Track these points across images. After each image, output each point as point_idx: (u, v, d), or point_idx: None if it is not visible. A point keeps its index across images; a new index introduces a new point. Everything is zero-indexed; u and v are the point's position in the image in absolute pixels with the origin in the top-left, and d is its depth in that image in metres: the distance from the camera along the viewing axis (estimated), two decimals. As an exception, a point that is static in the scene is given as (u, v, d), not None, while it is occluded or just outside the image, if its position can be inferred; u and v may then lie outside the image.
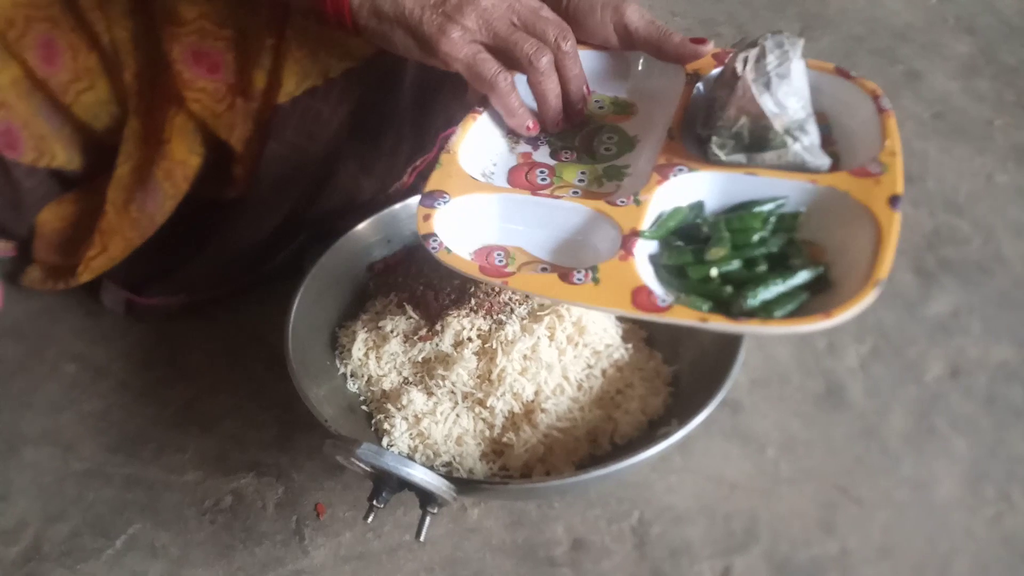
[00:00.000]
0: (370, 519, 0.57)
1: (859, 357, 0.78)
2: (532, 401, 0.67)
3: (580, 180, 0.65)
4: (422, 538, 0.56)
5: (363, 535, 0.68)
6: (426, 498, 0.56)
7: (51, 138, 0.82)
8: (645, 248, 0.57)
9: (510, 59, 0.62)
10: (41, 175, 0.84)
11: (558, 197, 0.61)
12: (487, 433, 0.67)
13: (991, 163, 0.99)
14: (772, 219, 0.57)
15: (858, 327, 0.80)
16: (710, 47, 0.67)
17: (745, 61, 0.59)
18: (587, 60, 0.70)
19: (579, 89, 0.65)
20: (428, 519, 0.57)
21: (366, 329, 0.72)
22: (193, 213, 0.82)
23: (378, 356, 0.71)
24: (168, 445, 0.75)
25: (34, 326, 0.86)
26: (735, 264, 0.56)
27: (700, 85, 0.66)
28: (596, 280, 0.54)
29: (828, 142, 0.62)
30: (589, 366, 0.69)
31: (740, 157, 0.60)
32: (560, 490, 0.67)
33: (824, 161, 0.59)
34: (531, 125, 0.65)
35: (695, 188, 0.60)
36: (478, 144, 0.66)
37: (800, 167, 0.59)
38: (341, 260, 0.75)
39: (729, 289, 0.54)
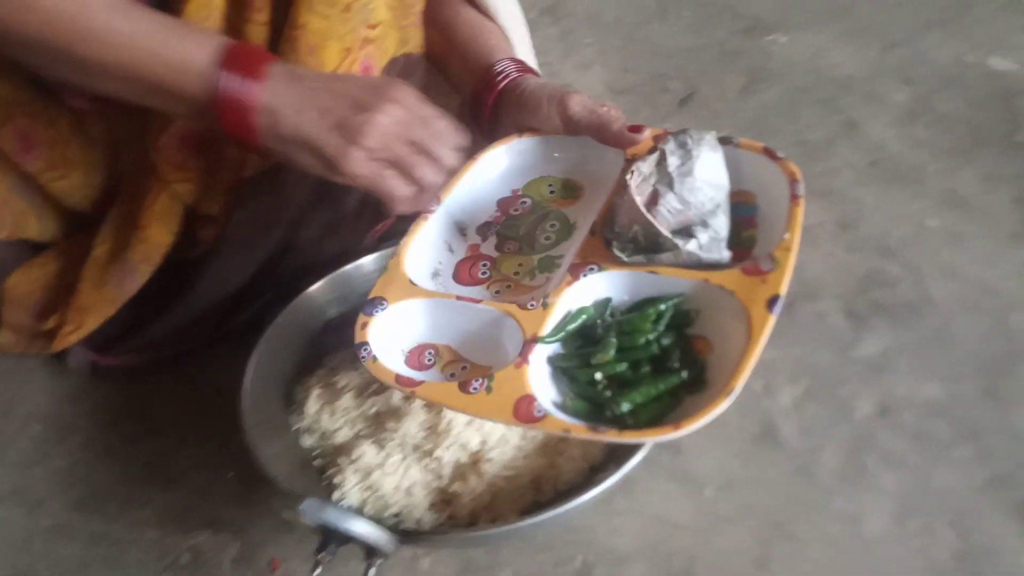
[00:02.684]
0: (316, 572, 0.59)
1: (793, 398, 0.81)
2: (478, 451, 0.70)
3: (516, 273, 0.71)
4: (367, 583, 0.59)
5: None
6: (370, 549, 0.59)
7: (25, 212, 0.85)
8: (543, 352, 0.63)
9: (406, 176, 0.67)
10: (12, 244, 0.87)
11: (476, 301, 0.67)
12: (435, 484, 0.70)
13: (924, 208, 1.04)
14: (666, 315, 0.62)
15: (792, 368, 0.84)
16: (646, 134, 0.73)
17: (632, 173, 0.65)
18: (542, 145, 0.77)
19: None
20: (373, 570, 0.59)
21: (320, 385, 0.76)
22: (159, 274, 0.85)
23: (331, 411, 0.74)
24: (132, 501, 0.78)
25: (2, 386, 0.89)
26: (621, 367, 0.61)
27: (615, 192, 0.70)
28: (489, 389, 0.60)
29: (749, 224, 0.67)
30: (533, 416, 0.73)
31: (640, 258, 0.65)
32: (504, 536, 0.70)
33: (722, 255, 0.63)
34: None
35: (603, 286, 0.66)
36: (426, 243, 0.72)
37: (697, 263, 0.63)
38: (297, 319, 0.79)
39: (608, 394, 0.60)
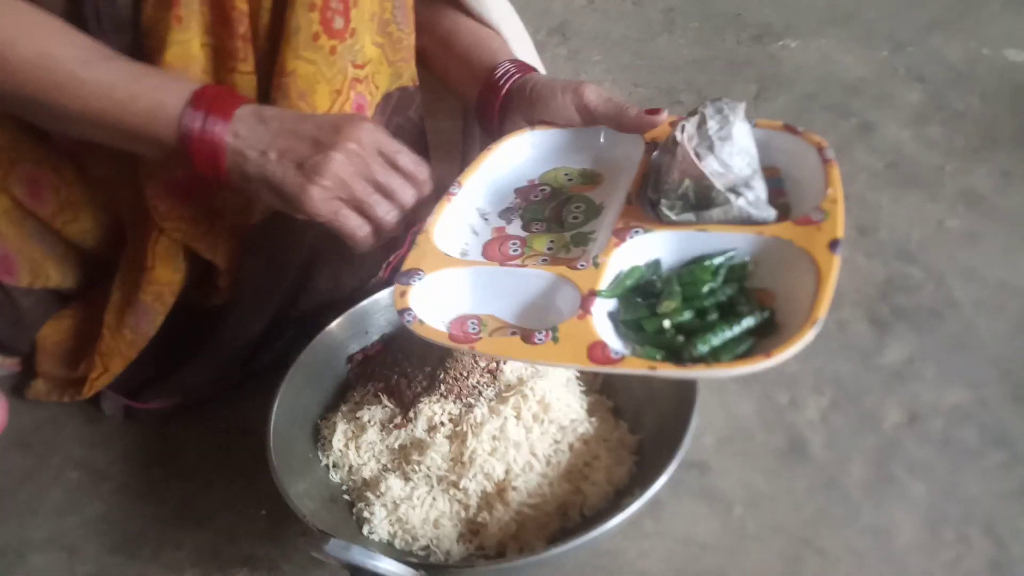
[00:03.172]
0: (350, 606, 0.60)
1: (819, 410, 0.81)
2: (503, 480, 0.70)
3: (549, 248, 0.70)
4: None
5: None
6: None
7: (44, 260, 0.87)
8: (604, 306, 0.63)
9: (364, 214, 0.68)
10: (38, 294, 0.89)
11: (524, 266, 0.67)
12: (462, 514, 0.70)
13: (942, 209, 1.04)
14: (722, 270, 0.63)
15: (816, 380, 0.83)
16: (664, 116, 0.73)
17: (683, 129, 0.65)
18: (556, 137, 0.77)
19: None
20: (402, 603, 0.60)
21: (345, 420, 0.76)
22: (184, 320, 0.87)
23: (357, 446, 0.75)
24: (166, 543, 0.79)
25: (39, 436, 0.91)
26: (687, 315, 0.61)
27: (655, 153, 0.71)
28: (556, 339, 0.59)
29: (780, 194, 0.68)
30: (556, 441, 0.73)
31: (689, 216, 0.65)
32: (533, 566, 0.70)
33: (769, 213, 0.64)
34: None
35: (651, 247, 0.66)
36: (452, 222, 0.72)
37: (747, 220, 0.64)
38: (320, 356, 0.80)
39: (681, 339, 0.59)
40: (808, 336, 0.54)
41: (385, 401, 0.76)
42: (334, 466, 0.75)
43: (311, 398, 0.79)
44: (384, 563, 0.57)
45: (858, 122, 1.20)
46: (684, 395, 0.70)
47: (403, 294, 0.64)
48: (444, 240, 0.70)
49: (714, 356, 0.58)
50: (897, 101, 1.23)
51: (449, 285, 0.67)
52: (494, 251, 0.71)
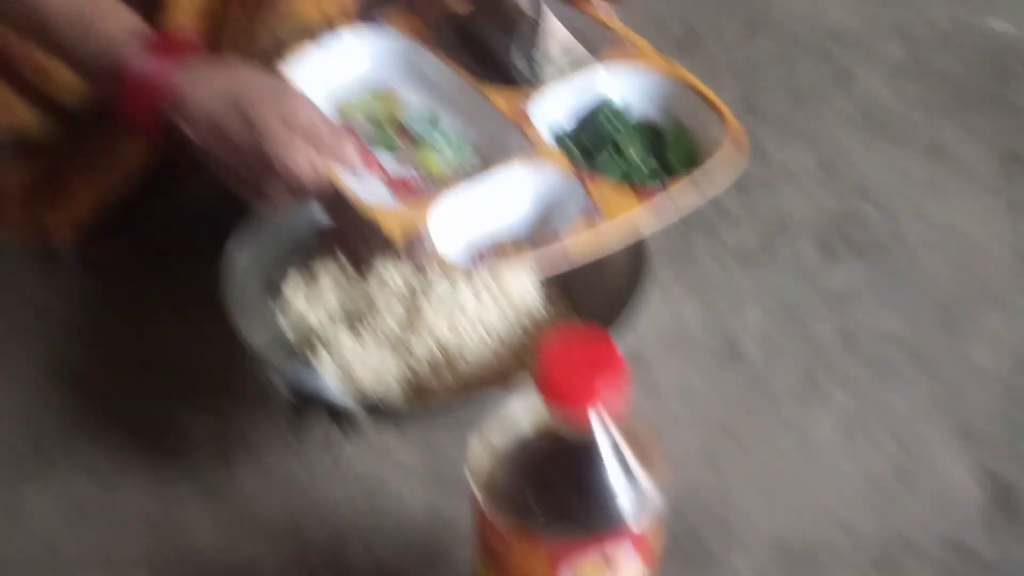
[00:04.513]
0: (292, 438, 0.63)
1: (759, 321, 0.84)
2: (453, 349, 0.73)
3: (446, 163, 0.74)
4: (336, 455, 0.63)
5: (287, 460, 0.74)
6: (340, 422, 0.62)
7: (18, 105, 0.87)
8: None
9: None
10: (2, 133, 0.89)
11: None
12: (410, 377, 0.73)
13: (907, 157, 1.06)
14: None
15: (761, 294, 0.87)
16: None
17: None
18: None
19: None
20: (343, 439, 0.63)
21: (302, 275, 0.78)
22: (149, 171, 0.88)
23: (311, 301, 0.77)
24: (113, 381, 0.81)
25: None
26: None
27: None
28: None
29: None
30: (508, 321, 0.75)
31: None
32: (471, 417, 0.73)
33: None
34: None
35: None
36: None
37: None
38: (285, 218, 0.81)
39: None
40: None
41: (344, 262, 0.78)
42: (287, 318, 0.77)
43: (269, 253, 0.80)
44: (330, 389, 0.59)
45: (839, 70, 1.22)
46: (634, 286, 0.73)
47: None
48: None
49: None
50: (880, 55, 1.25)
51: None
52: (404, 190, 0.72)
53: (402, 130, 0.76)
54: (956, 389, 0.78)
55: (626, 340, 0.68)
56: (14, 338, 0.85)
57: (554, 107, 0.75)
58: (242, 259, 0.76)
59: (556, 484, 0.42)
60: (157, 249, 0.90)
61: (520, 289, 0.77)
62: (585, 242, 0.66)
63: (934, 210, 0.98)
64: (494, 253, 0.68)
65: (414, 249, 0.62)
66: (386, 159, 0.75)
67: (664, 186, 0.68)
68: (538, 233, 0.69)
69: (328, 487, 0.72)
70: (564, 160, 0.71)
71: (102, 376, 0.81)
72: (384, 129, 0.76)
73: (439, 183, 0.72)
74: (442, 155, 0.74)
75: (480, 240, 0.70)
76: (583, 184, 0.68)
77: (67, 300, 0.89)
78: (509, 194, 0.71)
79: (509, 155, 0.72)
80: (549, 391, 0.40)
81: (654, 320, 0.84)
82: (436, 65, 0.78)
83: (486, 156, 0.74)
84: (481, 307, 0.74)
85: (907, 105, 1.16)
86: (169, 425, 0.77)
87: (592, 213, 0.66)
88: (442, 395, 0.72)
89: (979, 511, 0.69)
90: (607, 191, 0.68)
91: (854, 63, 1.23)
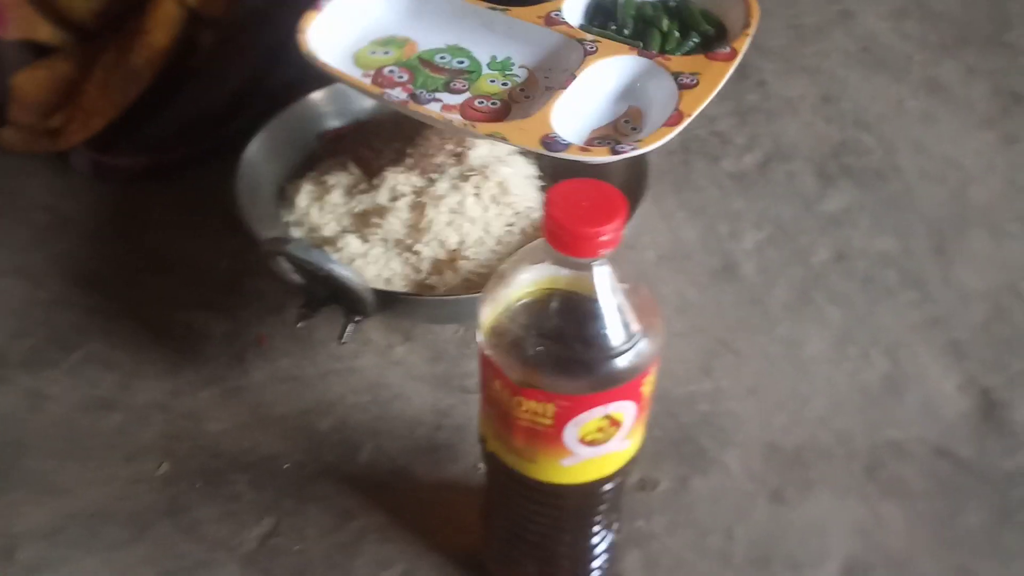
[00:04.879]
0: (300, 325, 0.65)
1: (755, 242, 0.87)
2: (456, 250, 0.75)
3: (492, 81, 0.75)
4: (343, 340, 0.65)
5: (299, 361, 0.76)
6: (350, 304, 0.64)
7: (37, 20, 0.88)
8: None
9: None
10: (19, 45, 0.90)
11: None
12: (413, 276, 0.75)
13: (905, 91, 1.08)
14: None
15: (758, 217, 0.89)
16: None
17: None
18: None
19: None
20: (351, 326, 0.65)
21: (311, 183, 0.80)
22: (160, 79, 0.89)
23: (320, 207, 0.78)
24: (129, 283, 0.83)
25: (6, 182, 0.93)
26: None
27: None
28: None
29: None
30: (509, 224, 0.77)
31: None
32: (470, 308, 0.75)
33: None
34: None
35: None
36: None
37: None
38: (294, 123, 0.83)
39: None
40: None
41: (351, 169, 0.79)
42: (296, 223, 0.79)
43: (280, 162, 0.82)
44: (342, 269, 0.61)
45: (841, 8, 1.23)
46: (634, 204, 0.74)
47: None
48: None
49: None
50: (881, -5, 1.26)
51: None
52: (472, 114, 0.73)
53: (437, 68, 0.77)
54: (946, 307, 0.80)
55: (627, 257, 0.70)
56: (31, 240, 0.86)
57: (572, 8, 0.79)
58: (254, 167, 0.78)
59: (564, 339, 0.44)
60: (165, 154, 0.92)
61: (521, 194, 0.79)
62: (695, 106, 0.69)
63: (929, 141, 1.00)
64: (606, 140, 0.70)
65: (553, 148, 0.65)
66: (443, 96, 0.74)
67: (728, 46, 0.73)
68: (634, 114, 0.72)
69: (339, 388, 0.74)
70: (625, 47, 0.74)
71: (119, 278, 0.83)
72: (420, 71, 0.76)
73: (503, 100, 0.74)
74: (490, 76, 0.76)
75: (588, 133, 0.72)
76: (661, 64, 0.72)
77: (82, 206, 0.90)
78: (600, 88, 0.73)
79: (559, 61, 0.75)
80: (556, 238, 0.42)
81: (654, 239, 0.86)
82: (453, 3, 0.79)
83: (532, 69, 0.76)
84: (483, 210, 0.76)
85: (907, 43, 1.17)
86: (185, 326, 0.79)
87: (686, 86, 0.69)
88: (443, 294, 0.74)
89: (965, 420, 0.72)
90: (686, 63, 0.72)
91: (856, 3, 1.24)
